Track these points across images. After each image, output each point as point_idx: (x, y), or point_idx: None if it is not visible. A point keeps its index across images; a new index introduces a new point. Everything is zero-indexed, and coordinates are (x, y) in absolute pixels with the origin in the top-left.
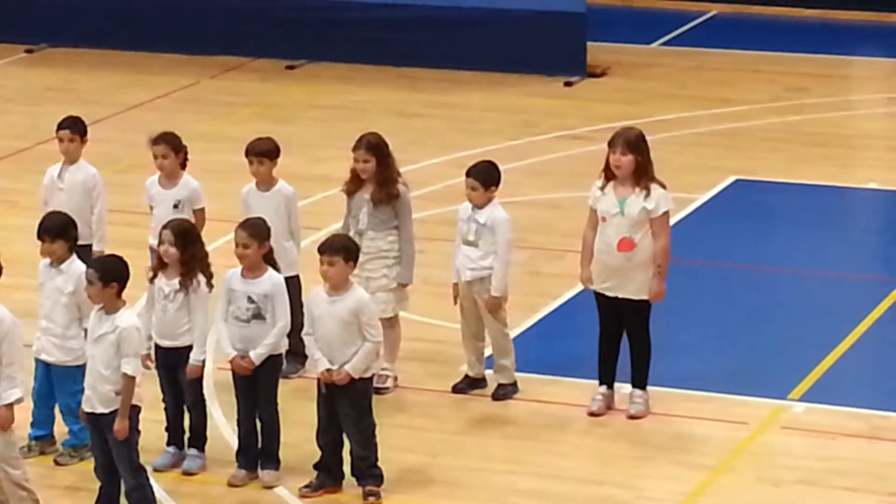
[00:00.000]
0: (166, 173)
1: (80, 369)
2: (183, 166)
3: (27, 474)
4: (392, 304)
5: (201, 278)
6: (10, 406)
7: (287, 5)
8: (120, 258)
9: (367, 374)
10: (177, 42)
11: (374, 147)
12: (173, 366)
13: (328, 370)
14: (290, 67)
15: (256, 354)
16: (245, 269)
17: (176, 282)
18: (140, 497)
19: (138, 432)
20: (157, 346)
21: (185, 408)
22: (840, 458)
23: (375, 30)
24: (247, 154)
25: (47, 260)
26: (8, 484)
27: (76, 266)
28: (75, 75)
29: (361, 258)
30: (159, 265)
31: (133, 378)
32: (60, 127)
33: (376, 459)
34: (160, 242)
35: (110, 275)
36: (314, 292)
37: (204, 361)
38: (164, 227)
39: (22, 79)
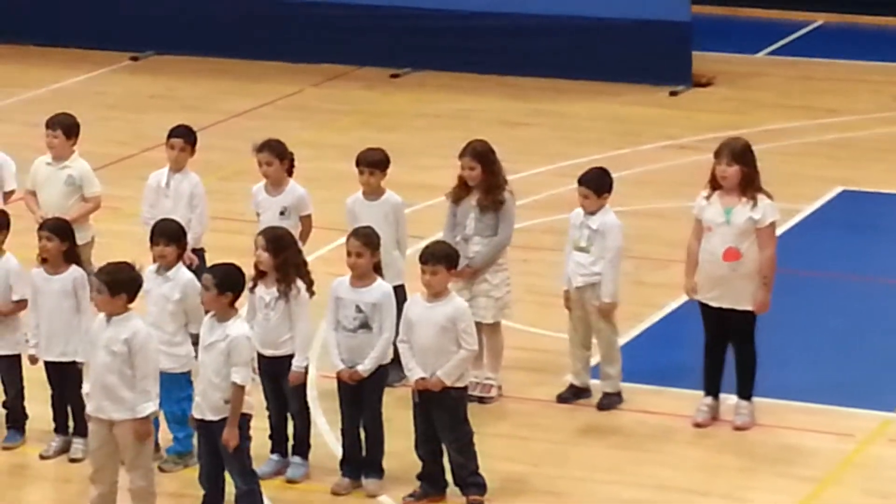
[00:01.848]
0: (272, 180)
1: (186, 376)
2: (289, 173)
3: (154, 486)
4: (493, 310)
5: (300, 285)
6: (145, 419)
7: (392, 14)
8: (238, 268)
9: (462, 383)
10: (281, 50)
11: (479, 154)
12: (276, 374)
13: (422, 378)
14: (395, 76)
15: (364, 369)
16: (354, 278)
17: (274, 289)
18: (249, 503)
19: (249, 439)
20: (260, 355)
21: (288, 416)
22: None
23: (480, 38)
24: (357, 164)
25: (153, 267)
26: (135, 494)
27: (182, 273)
28: (179, 83)
29: (465, 264)
30: (258, 274)
31: (242, 387)
32: (173, 135)
33: (476, 468)
34: (256, 249)
35: (227, 284)
36: (412, 299)
37: (307, 368)
38: (259, 234)
39: (126, 86)
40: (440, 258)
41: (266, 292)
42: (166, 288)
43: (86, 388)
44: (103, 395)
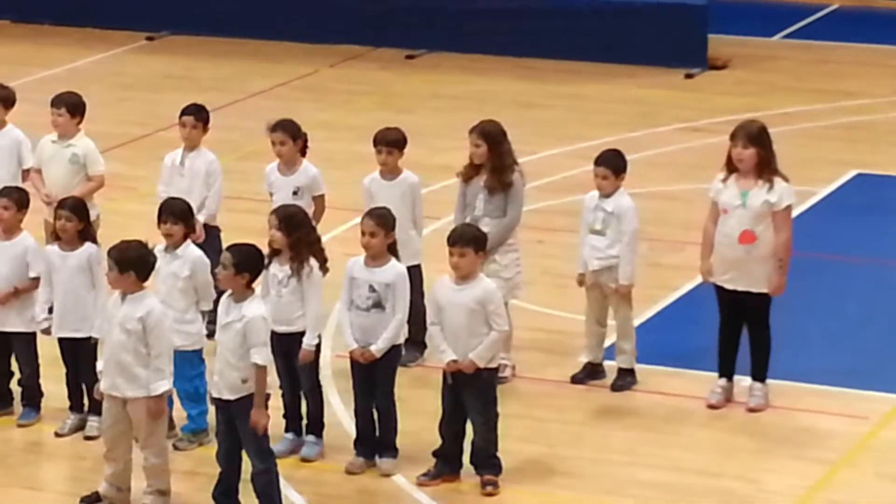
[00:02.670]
0: (285, 160)
1: (198, 353)
2: (303, 153)
3: (168, 463)
4: (503, 291)
5: (314, 263)
6: (159, 397)
7: None
8: (258, 249)
9: (493, 364)
10: (297, 31)
11: (486, 133)
12: (289, 352)
13: (454, 360)
14: (410, 57)
15: (377, 349)
16: (369, 258)
17: (288, 267)
18: (266, 482)
19: (267, 417)
20: (273, 332)
21: (301, 394)
22: None
23: (496, 20)
24: (375, 143)
25: (162, 245)
26: (149, 471)
27: (191, 250)
28: (195, 63)
29: None
30: (272, 252)
31: (264, 367)
32: (185, 113)
33: (496, 449)
34: (270, 228)
35: (244, 265)
36: (440, 282)
37: (318, 347)
38: (272, 212)
39: (142, 66)
40: (469, 240)
41: (280, 270)
42: (175, 265)
43: (100, 365)
44: (117, 373)
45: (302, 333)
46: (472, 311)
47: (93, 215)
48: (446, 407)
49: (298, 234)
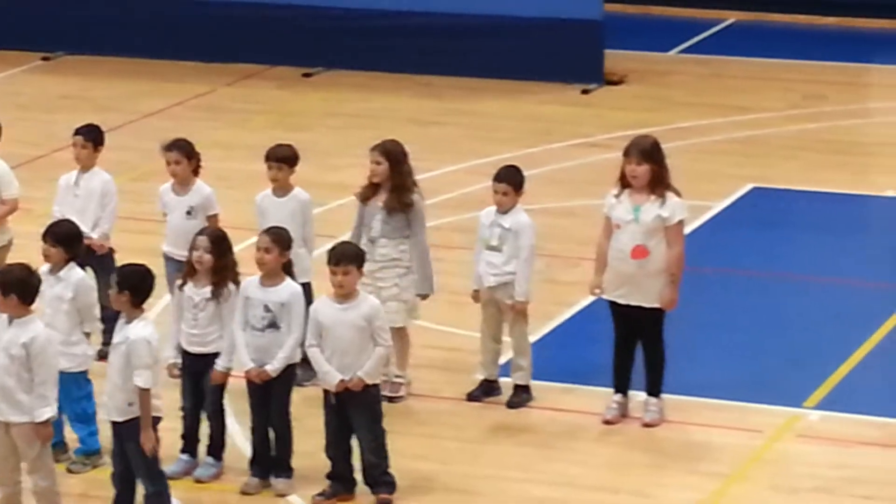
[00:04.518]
0: (179, 180)
1: (84, 374)
2: (196, 173)
3: (58, 486)
4: (402, 313)
5: (232, 287)
6: (44, 423)
7: (304, 13)
8: (145, 270)
9: (378, 380)
10: (193, 50)
11: (388, 151)
12: (200, 372)
13: (342, 380)
14: (307, 75)
15: (273, 368)
16: (263, 277)
17: (207, 290)
18: None
19: (152, 440)
20: (185, 353)
21: (201, 415)
22: (855, 466)
23: (393, 37)
24: (266, 159)
25: (46, 268)
26: (39, 495)
27: (75, 272)
28: (91, 83)
29: (373, 266)
30: (190, 272)
31: (147, 390)
32: (77, 133)
33: (388, 466)
34: (194, 248)
35: (125, 283)
36: (320, 302)
37: (229, 371)
38: (200, 233)
39: (38, 86)
40: (351, 258)
41: (196, 293)
42: (59, 288)
43: None
44: (1, 397)
45: (215, 355)
46: (359, 329)
47: (4, 240)
48: (331, 428)
49: (226, 258)
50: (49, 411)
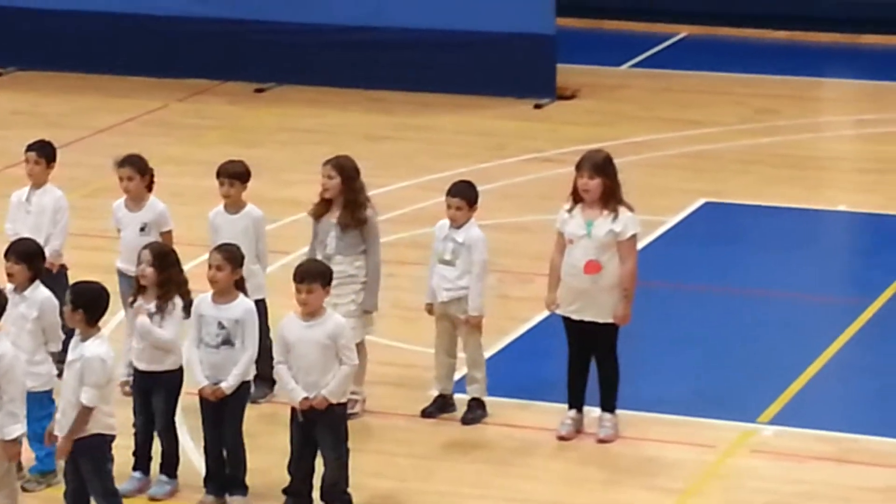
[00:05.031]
0: (132, 196)
1: (48, 394)
2: (149, 189)
3: None
4: (359, 329)
5: (178, 301)
6: (13, 441)
7: (256, 28)
8: (99, 288)
9: (343, 399)
10: (145, 65)
11: (340, 166)
12: (149, 389)
13: (306, 398)
14: (260, 90)
15: (228, 385)
16: (216, 294)
17: (153, 305)
18: None
19: (111, 459)
20: (135, 370)
21: (154, 433)
22: (809, 481)
23: (345, 53)
24: (218, 175)
25: (10, 286)
26: None
27: (39, 292)
28: (43, 99)
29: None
30: (139, 288)
31: (90, 409)
32: (29, 149)
33: (347, 485)
34: (139, 263)
35: (79, 300)
36: (287, 319)
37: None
38: (145, 247)
39: None
40: (316, 276)
41: (145, 307)
42: (23, 307)
43: None
44: None
45: (164, 372)
46: (324, 347)
47: None
48: (296, 445)
49: (170, 272)
50: (19, 428)
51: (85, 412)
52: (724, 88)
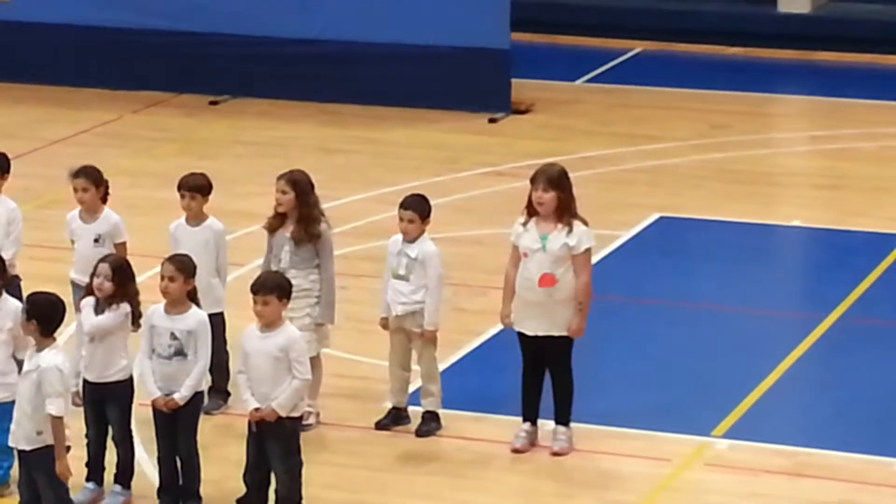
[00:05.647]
0: (87, 207)
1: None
2: (104, 200)
3: None
4: (314, 343)
5: (125, 305)
6: None
7: (210, 40)
8: (55, 299)
9: (296, 413)
10: (99, 77)
11: (294, 181)
12: (101, 400)
13: (256, 409)
14: (214, 103)
15: (181, 396)
16: (168, 305)
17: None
18: None
19: (68, 469)
20: (85, 381)
21: (106, 443)
22: (764, 494)
23: (299, 66)
24: (179, 188)
25: None
26: None
27: (11, 302)
28: None
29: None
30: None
31: (60, 418)
32: None
33: (300, 498)
34: (95, 275)
35: (34, 311)
36: (248, 330)
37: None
38: (102, 260)
39: None
40: (271, 288)
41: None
42: None
43: None
44: None
45: (115, 382)
46: (275, 359)
47: None
48: (250, 455)
49: (126, 286)
50: None
51: (57, 423)
52: (678, 104)
